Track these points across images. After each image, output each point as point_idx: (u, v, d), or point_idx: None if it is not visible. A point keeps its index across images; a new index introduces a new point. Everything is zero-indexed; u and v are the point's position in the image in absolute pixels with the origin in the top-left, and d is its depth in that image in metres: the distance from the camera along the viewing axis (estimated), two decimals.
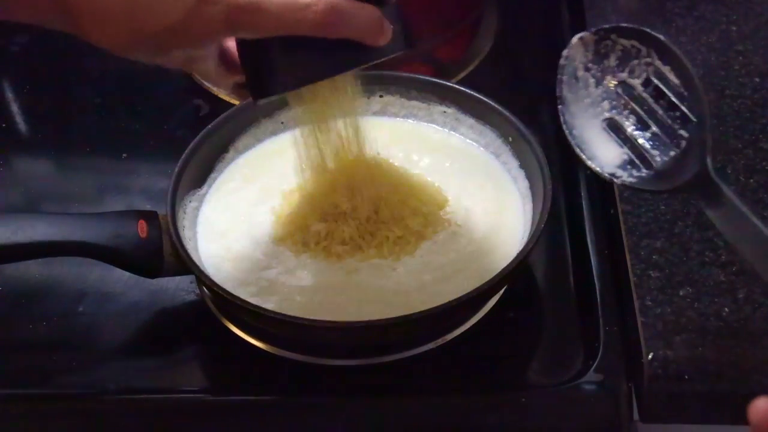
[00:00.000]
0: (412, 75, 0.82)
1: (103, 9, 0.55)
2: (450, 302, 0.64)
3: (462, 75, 0.91)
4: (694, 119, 0.55)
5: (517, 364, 0.71)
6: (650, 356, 0.64)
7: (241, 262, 0.71)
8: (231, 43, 0.62)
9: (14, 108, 0.97)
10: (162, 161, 0.85)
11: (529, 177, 0.74)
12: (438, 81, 0.81)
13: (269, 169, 0.78)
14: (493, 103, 0.76)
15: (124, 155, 0.88)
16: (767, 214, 0.72)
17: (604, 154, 0.59)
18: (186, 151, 0.75)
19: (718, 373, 0.64)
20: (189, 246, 0.70)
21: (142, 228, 0.69)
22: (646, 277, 0.68)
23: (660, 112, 0.57)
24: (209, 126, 0.77)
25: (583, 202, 0.78)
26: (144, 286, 0.73)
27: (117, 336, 0.74)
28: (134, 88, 0.96)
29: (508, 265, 0.66)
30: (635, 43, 0.59)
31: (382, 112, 0.82)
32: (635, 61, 0.59)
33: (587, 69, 0.60)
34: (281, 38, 0.56)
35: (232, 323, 0.71)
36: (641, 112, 0.58)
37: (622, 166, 0.58)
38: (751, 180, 0.75)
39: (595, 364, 0.67)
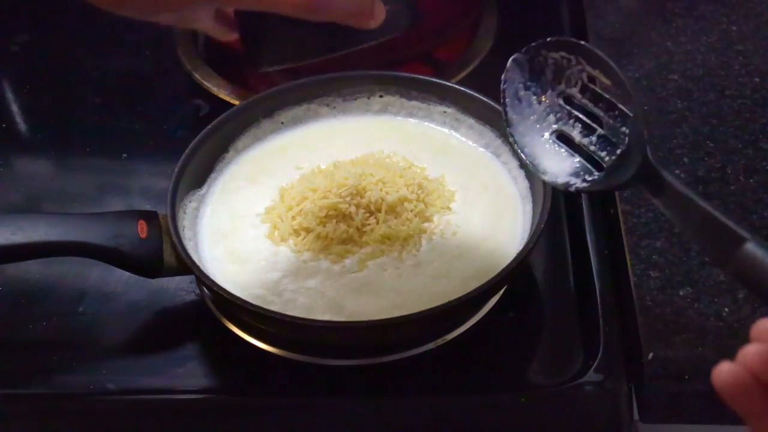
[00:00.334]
0: (412, 75, 0.82)
1: None
2: (450, 302, 0.64)
3: (462, 75, 0.91)
4: (631, 114, 0.56)
5: (517, 364, 0.71)
6: (650, 356, 0.64)
7: (241, 263, 0.71)
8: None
9: (14, 108, 0.97)
10: (162, 161, 0.85)
11: (529, 177, 0.74)
12: (438, 81, 0.81)
13: (269, 169, 0.78)
14: (493, 103, 0.76)
15: (124, 155, 0.88)
16: (767, 214, 0.72)
17: (557, 166, 0.60)
18: (186, 151, 0.75)
19: None
20: (189, 246, 0.70)
21: (142, 228, 0.69)
22: (646, 277, 0.68)
23: (601, 114, 0.58)
24: (209, 126, 0.77)
25: (583, 202, 0.78)
26: (144, 286, 0.73)
27: (117, 336, 0.74)
28: (134, 88, 0.96)
29: (508, 265, 0.66)
30: (563, 53, 0.60)
31: (382, 112, 0.82)
32: (568, 71, 0.60)
33: (527, 88, 0.62)
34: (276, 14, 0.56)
35: (232, 323, 0.71)
36: (584, 118, 0.59)
37: (576, 174, 0.59)
38: (751, 180, 0.75)
39: (595, 364, 0.67)
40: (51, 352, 0.73)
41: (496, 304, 0.70)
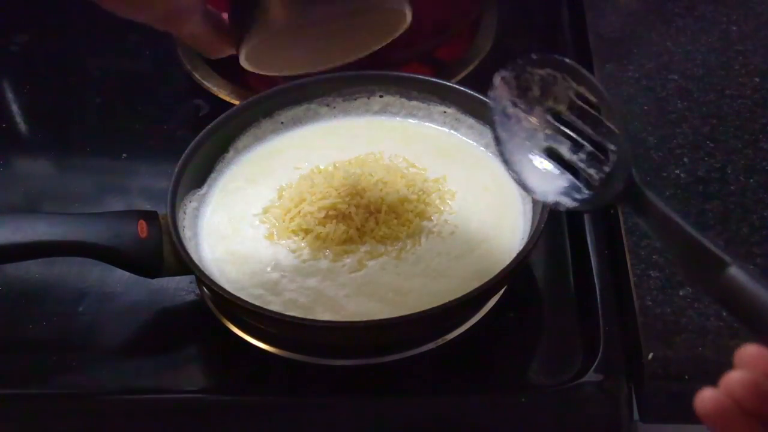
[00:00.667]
0: (412, 75, 0.82)
1: None
2: (450, 302, 0.64)
3: (462, 75, 0.90)
4: (616, 131, 0.56)
5: (517, 364, 0.71)
6: (650, 356, 0.64)
7: (241, 263, 0.71)
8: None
9: (14, 108, 0.97)
10: (162, 161, 0.85)
11: None
12: (438, 81, 0.81)
13: (269, 169, 0.78)
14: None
15: (124, 155, 0.88)
16: (767, 214, 0.72)
17: (547, 184, 0.59)
18: (186, 151, 0.75)
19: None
20: (189, 246, 0.70)
21: (142, 228, 0.69)
22: (646, 277, 0.68)
23: (588, 130, 0.58)
24: (209, 126, 0.77)
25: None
26: (144, 286, 0.73)
27: (117, 336, 0.74)
28: (134, 88, 0.96)
29: (508, 265, 0.66)
30: (549, 70, 0.60)
31: (382, 112, 0.82)
32: (555, 87, 0.60)
33: (515, 105, 0.61)
34: None
35: (232, 323, 0.71)
36: (573, 135, 0.59)
37: (565, 192, 0.58)
38: (751, 180, 0.75)
39: (595, 364, 0.67)
40: (51, 352, 0.73)
41: (496, 304, 0.70)
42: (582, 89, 0.58)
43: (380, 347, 0.69)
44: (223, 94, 0.91)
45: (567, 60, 0.59)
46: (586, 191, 0.57)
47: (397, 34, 0.68)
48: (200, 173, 0.76)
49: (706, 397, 0.44)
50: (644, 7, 0.94)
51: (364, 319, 0.66)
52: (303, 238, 0.72)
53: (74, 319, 0.74)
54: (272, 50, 0.65)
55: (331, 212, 0.72)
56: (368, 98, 0.81)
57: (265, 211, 0.75)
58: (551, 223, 0.71)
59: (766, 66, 0.85)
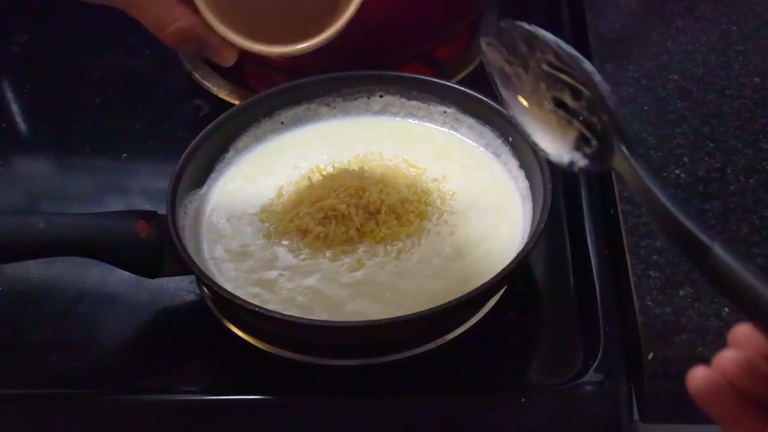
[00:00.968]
0: (412, 75, 0.82)
1: None
2: (450, 302, 0.64)
3: (462, 75, 0.91)
4: (598, 76, 0.56)
5: (517, 364, 0.71)
6: (650, 356, 0.64)
7: (241, 263, 0.71)
8: None
9: (14, 108, 0.97)
10: (162, 161, 0.85)
11: (529, 177, 0.74)
12: (438, 81, 0.81)
13: (269, 169, 0.78)
14: (493, 103, 0.76)
15: (124, 155, 0.88)
16: (767, 214, 0.72)
17: (559, 144, 0.58)
18: (186, 151, 0.75)
19: None
20: (189, 246, 0.70)
21: (142, 228, 0.69)
22: (646, 277, 0.68)
23: (578, 78, 0.57)
24: (209, 126, 0.77)
25: (583, 202, 0.78)
26: (144, 286, 0.73)
27: (117, 336, 0.74)
28: (134, 88, 0.96)
29: (508, 265, 0.66)
30: (523, 32, 0.62)
31: (382, 112, 0.82)
32: (537, 41, 0.60)
33: (510, 63, 0.61)
34: None
35: (232, 323, 0.71)
36: (571, 81, 0.57)
37: (576, 146, 0.57)
38: (751, 180, 0.75)
39: (595, 364, 0.67)
40: (51, 352, 0.73)
41: (496, 304, 0.70)
42: (557, 43, 0.58)
43: (380, 347, 0.69)
44: (223, 94, 0.91)
45: (526, 26, 0.60)
46: (594, 142, 0.56)
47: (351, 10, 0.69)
48: (200, 173, 0.76)
49: (698, 375, 0.44)
50: (644, 7, 0.93)
51: (364, 318, 0.66)
52: (302, 238, 0.72)
53: (74, 319, 0.74)
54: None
55: (330, 213, 0.72)
56: (368, 98, 0.81)
57: (264, 210, 0.75)
58: (551, 223, 0.71)
59: (766, 66, 0.85)
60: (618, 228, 0.73)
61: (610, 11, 0.92)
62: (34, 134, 0.96)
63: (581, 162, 0.57)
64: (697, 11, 0.91)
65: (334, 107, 0.82)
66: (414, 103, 0.81)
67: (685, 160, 0.77)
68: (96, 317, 0.74)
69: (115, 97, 0.95)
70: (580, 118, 0.57)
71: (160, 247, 0.69)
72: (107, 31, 1.02)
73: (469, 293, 0.64)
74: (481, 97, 0.77)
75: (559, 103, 0.58)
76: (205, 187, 0.77)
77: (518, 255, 0.67)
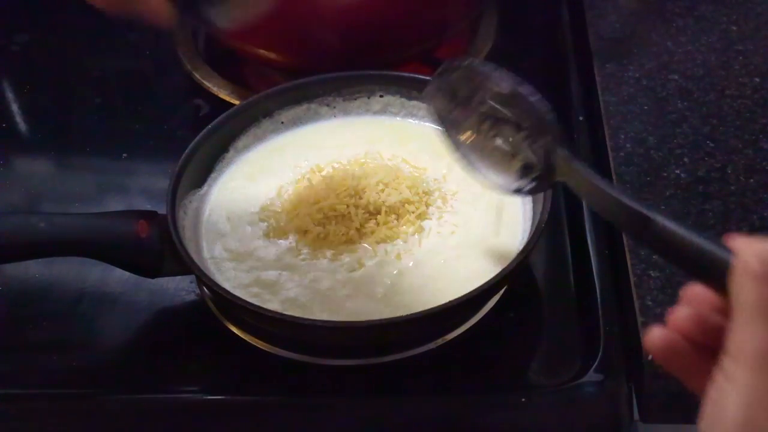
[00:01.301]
0: (412, 75, 0.82)
1: None
2: (450, 302, 0.64)
3: None
4: (534, 98, 0.60)
5: (517, 364, 0.71)
6: (650, 356, 0.64)
7: (241, 263, 0.71)
8: None
9: (14, 108, 0.97)
10: (162, 161, 0.85)
11: None
12: None
13: (269, 169, 0.78)
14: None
15: (124, 155, 0.88)
16: (767, 214, 0.72)
17: (505, 170, 0.63)
18: (186, 151, 0.75)
19: None
20: (189, 246, 0.70)
21: (142, 228, 0.69)
22: (646, 277, 0.68)
23: (515, 112, 0.61)
24: (209, 126, 0.77)
25: (583, 202, 0.78)
26: (144, 286, 0.73)
27: (117, 336, 0.74)
28: (134, 88, 0.96)
29: (508, 265, 0.66)
30: (459, 74, 0.64)
31: (382, 112, 0.82)
32: (474, 83, 0.63)
33: (454, 107, 0.65)
34: None
35: (232, 323, 0.71)
36: (511, 116, 0.61)
37: (522, 174, 0.62)
38: (751, 180, 0.75)
39: (595, 364, 0.67)
40: (51, 352, 0.73)
41: (496, 304, 0.70)
42: (492, 78, 0.62)
43: (380, 347, 0.69)
44: (223, 94, 0.91)
45: (464, 63, 0.63)
46: (539, 166, 0.60)
47: None
48: (200, 173, 0.77)
49: (655, 334, 0.46)
50: (644, 7, 0.94)
51: (364, 318, 0.66)
52: (302, 238, 0.72)
53: (74, 319, 0.74)
54: None
55: (330, 213, 0.72)
56: (368, 98, 0.81)
57: (264, 209, 0.75)
58: (551, 223, 0.71)
59: (766, 66, 0.85)
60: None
61: (610, 11, 0.92)
62: (34, 134, 0.96)
63: (528, 187, 0.61)
64: (697, 11, 0.91)
65: (334, 107, 0.82)
66: (414, 103, 0.81)
67: (685, 160, 0.77)
68: (96, 317, 0.74)
69: (115, 97, 0.95)
70: (522, 149, 0.61)
71: (160, 247, 0.69)
72: (107, 31, 1.02)
73: (469, 293, 0.64)
74: None
75: (501, 140, 0.62)
76: (205, 187, 0.77)
77: (518, 255, 0.67)
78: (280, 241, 0.72)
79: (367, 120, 0.82)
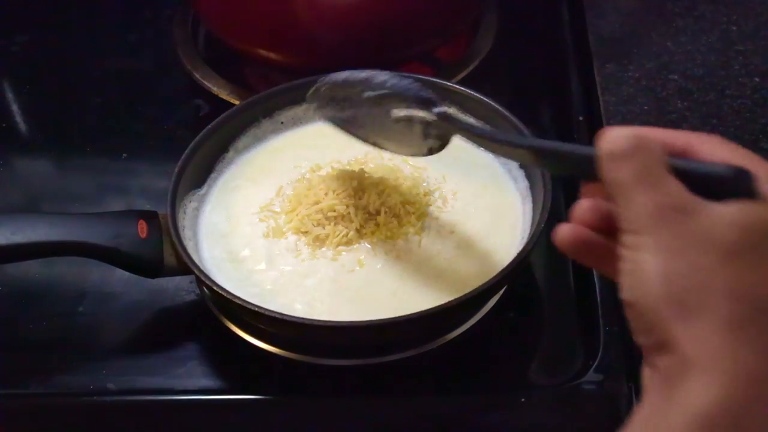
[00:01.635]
0: (412, 75, 0.82)
1: None
2: (450, 302, 0.64)
3: (462, 75, 0.91)
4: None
5: (517, 364, 0.71)
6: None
7: (240, 263, 0.71)
8: None
9: (14, 108, 0.97)
10: (162, 161, 0.85)
11: (529, 177, 0.74)
12: (438, 81, 0.81)
13: (269, 169, 0.78)
14: (493, 103, 0.76)
15: (124, 155, 0.88)
16: None
17: (411, 139, 0.67)
18: (186, 151, 0.75)
19: None
20: (189, 246, 0.70)
21: (142, 228, 0.69)
22: None
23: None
24: (209, 126, 0.77)
25: None
26: (144, 286, 0.73)
27: (117, 336, 0.74)
28: (134, 88, 0.96)
29: (508, 265, 0.66)
30: (326, 87, 0.70)
31: None
32: (345, 85, 0.68)
33: (341, 109, 0.70)
34: None
35: (232, 323, 0.71)
36: (391, 93, 0.66)
37: (425, 136, 0.66)
38: None
39: (595, 364, 0.67)
40: (51, 352, 0.73)
41: (496, 304, 0.70)
42: (361, 87, 0.67)
43: (380, 347, 0.69)
44: (223, 94, 0.91)
45: (327, 79, 0.69)
46: (434, 127, 0.65)
47: None
48: (200, 173, 0.77)
49: (561, 230, 0.49)
50: (644, 7, 0.94)
51: (363, 318, 0.66)
52: (302, 239, 0.72)
53: (74, 319, 0.74)
54: None
55: (329, 214, 0.72)
56: None
57: (264, 210, 0.75)
58: (551, 223, 0.71)
59: (766, 66, 0.85)
60: None
61: (610, 11, 0.92)
62: (34, 134, 0.96)
63: (435, 145, 0.65)
64: (697, 11, 0.91)
65: None
66: None
67: None
68: (96, 317, 0.74)
69: (115, 97, 0.95)
70: (415, 114, 0.65)
71: (160, 247, 0.69)
72: (107, 31, 1.02)
73: (469, 293, 0.64)
74: (481, 97, 0.77)
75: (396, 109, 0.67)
76: (205, 187, 0.77)
77: (518, 255, 0.67)
78: (280, 241, 0.72)
79: None
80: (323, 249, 0.71)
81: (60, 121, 0.94)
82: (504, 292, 0.70)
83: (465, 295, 0.64)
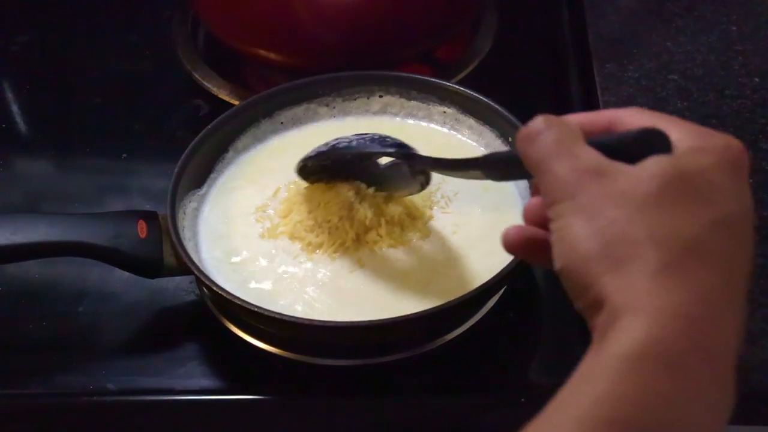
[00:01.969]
0: (412, 75, 0.82)
1: None
2: (450, 302, 0.64)
3: (462, 75, 0.91)
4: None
5: (517, 364, 0.71)
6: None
7: (239, 263, 0.71)
8: None
9: (14, 108, 0.97)
10: (162, 161, 0.85)
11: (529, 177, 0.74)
12: (438, 81, 0.81)
13: (269, 169, 0.78)
14: (493, 103, 0.76)
15: (124, 155, 0.88)
16: (767, 214, 0.72)
17: (407, 180, 0.71)
18: (186, 151, 0.75)
19: None
20: (189, 246, 0.70)
21: (142, 228, 0.69)
22: None
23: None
24: (209, 126, 0.77)
25: None
26: (144, 286, 0.73)
27: (117, 336, 0.74)
28: (134, 88, 0.96)
29: (508, 265, 0.66)
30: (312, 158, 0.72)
31: (382, 112, 0.82)
32: (324, 155, 0.71)
33: (337, 173, 0.72)
34: None
35: (232, 323, 0.71)
36: (375, 152, 0.70)
37: (413, 175, 0.70)
38: (751, 180, 0.74)
39: None
40: (51, 352, 0.73)
41: (496, 304, 0.70)
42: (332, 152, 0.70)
43: (380, 347, 0.69)
44: (223, 94, 0.91)
45: (310, 155, 0.71)
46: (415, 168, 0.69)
47: None
48: (200, 173, 0.76)
49: (509, 232, 0.51)
50: (644, 7, 0.93)
51: (364, 319, 0.66)
52: (301, 240, 0.72)
53: (74, 319, 0.74)
54: None
55: (324, 224, 0.71)
56: (368, 98, 0.81)
57: (258, 210, 0.74)
58: None
59: (766, 66, 0.85)
60: None
61: (610, 11, 0.92)
62: (34, 134, 0.96)
63: (423, 179, 0.69)
64: (697, 11, 0.91)
65: (334, 107, 0.82)
66: (414, 103, 0.81)
67: None
68: (96, 317, 0.74)
69: (115, 97, 0.95)
70: (400, 164, 0.69)
71: (160, 247, 0.69)
72: (107, 31, 1.02)
73: (469, 293, 0.64)
74: (481, 97, 0.77)
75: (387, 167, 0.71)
76: (204, 187, 0.77)
77: None
78: (278, 241, 0.72)
79: (367, 120, 0.81)
80: (321, 251, 0.71)
81: (60, 121, 0.94)
82: (504, 292, 0.70)
83: (465, 295, 0.64)
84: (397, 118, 0.82)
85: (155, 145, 0.89)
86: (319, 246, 0.71)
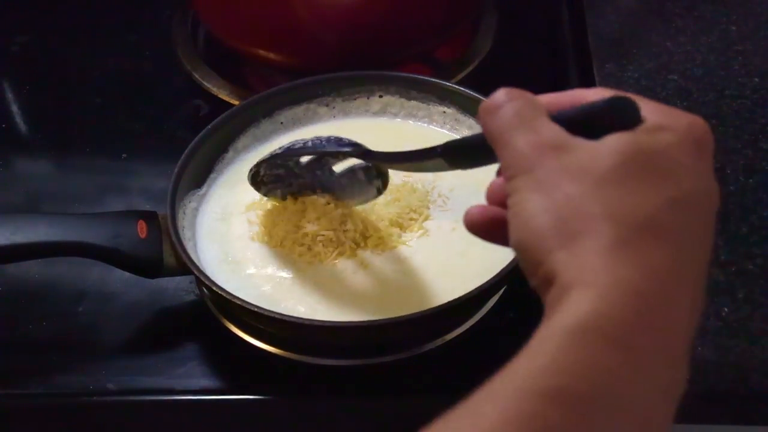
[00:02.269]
0: (412, 75, 0.82)
1: None
2: (450, 302, 0.64)
3: (462, 75, 0.91)
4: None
5: None
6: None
7: (239, 263, 0.71)
8: None
9: (14, 108, 0.97)
10: (162, 161, 0.85)
11: None
12: (438, 81, 0.81)
13: None
14: None
15: (124, 155, 0.88)
16: (767, 214, 0.72)
17: (359, 183, 0.71)
18: (186, 151, 0.75)
19: (718, 373, 0.64)
20: (188, 246, 0.70)
21: (141, 228, 0.69)
22: None
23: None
24: (209, 126, 0.77)
25: None
26: (144, 286, 0.73)
27: (117, 336, 0.74)
28: (134, 88, 0.96)
29: (507, 265, 0.66)
30: (266, 163, 0.71)
31: (381, 112, 0.82)
32: (277, 159, 0.70)
33: (290, 183, 0.73)
34: None
35: (232, 323, 0.71)
36: (327, 151, 0.69)
37: (368, 179, 0.70)
38: (751, 180, 0.75)
39: None
40: (51, 352, 0.73)
41: (496, 304, 0.70)
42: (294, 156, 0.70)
43: (380, 347, 0.69)
44: (223, 94, 0.91)
45: (264, 159, 0.71)
46: (368, 171, 0.69)
47: None
48: (200, 173, 0.76)
49: (471, 211, 0.50)
50: (644, 7, 0.93)
51: (364, 319, 0.66)
52: (299, 242, 0.72)
53: (74, 319, 0.74)
54: None
55: (318, 238, 0.71)
56: (368, 98, 0.81)
57: (246, 208, 0.74)
58: None
59: (766, 66, 0.85)
60: None
61: (610, 11, 0.92)
62: (34, 134, 0.96)
63: (379, 184, 0.69)
64: (697, 11, 0.91)
65: (334, 107, 0.82)
66: (414, 103, 0.81)
67: None
68: (96, 317, 0.74)
69: (115, 97, 0.95)
70: (354, 164, 0.69)
71: (160, 247, 0.69)
72: (107, 31, 1.02)
73: (469, 293, 0.64)
74: (481, 97, 0.77)
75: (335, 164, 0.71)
76: (204, 187, 0.77)
77: None
78: (278, 243, 0.72)
79: (367, 120, 0.81)
80: (319, 252, 0.71)
81: (60, 121, 0.94)
82: (504, 292, 0.70)
83: (465, 295, 0.64)
84: (397, 119, 0.82)
85: (155, 145, 0.89)
86: (317, 254, 0.71)
